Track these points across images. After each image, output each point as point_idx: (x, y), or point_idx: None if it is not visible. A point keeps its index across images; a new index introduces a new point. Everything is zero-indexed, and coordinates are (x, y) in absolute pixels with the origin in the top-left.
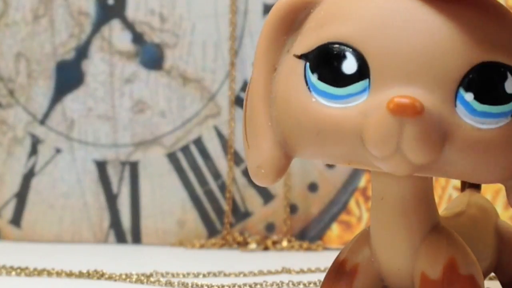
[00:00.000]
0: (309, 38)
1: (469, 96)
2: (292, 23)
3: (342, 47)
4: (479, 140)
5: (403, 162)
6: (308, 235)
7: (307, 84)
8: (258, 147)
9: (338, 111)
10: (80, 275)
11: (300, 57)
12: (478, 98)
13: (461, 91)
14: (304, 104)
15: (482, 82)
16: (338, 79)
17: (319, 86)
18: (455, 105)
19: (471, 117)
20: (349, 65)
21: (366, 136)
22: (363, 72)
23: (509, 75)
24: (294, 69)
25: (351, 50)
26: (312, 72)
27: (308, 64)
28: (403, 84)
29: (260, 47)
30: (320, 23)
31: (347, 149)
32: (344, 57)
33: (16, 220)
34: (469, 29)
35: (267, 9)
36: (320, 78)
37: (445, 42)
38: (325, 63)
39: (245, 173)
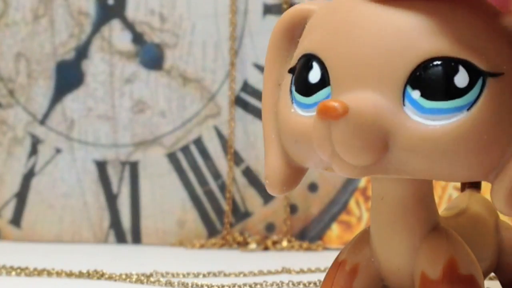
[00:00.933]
0: (296, 53)
1: (415, 94)
2: (292, 39)
3: (310, 57)
4: (428, 137)
5: (343, 164)
6: (308, 235)
7: (291, 96)
8: (265, 158)
9: (308, 119)
10: (80, 275)
11: (289, 71)
12: (425, 95)
13: (408, 89)
14: (286, 115)
15: (429, 78)
16: (307, 89)
17: (296, 97)
18: (404, 104)
19: (420, 114)
20: (314, 75)
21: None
22: (325, 80)
23: (461, 68)
24: (287, 83)
25: (316, 60)
26: (293, 84)
27: (293, 77)
28: (357, 89)
29: (266, 63)
30: (303, 37)
31: (318, 156)
32: (311, 67)
33: (16, 220)
34: (418, 25)
35: (267, 9)
36: (296, 89)
37: (391, 42)
38: (298, 74)
39: (245, 173)
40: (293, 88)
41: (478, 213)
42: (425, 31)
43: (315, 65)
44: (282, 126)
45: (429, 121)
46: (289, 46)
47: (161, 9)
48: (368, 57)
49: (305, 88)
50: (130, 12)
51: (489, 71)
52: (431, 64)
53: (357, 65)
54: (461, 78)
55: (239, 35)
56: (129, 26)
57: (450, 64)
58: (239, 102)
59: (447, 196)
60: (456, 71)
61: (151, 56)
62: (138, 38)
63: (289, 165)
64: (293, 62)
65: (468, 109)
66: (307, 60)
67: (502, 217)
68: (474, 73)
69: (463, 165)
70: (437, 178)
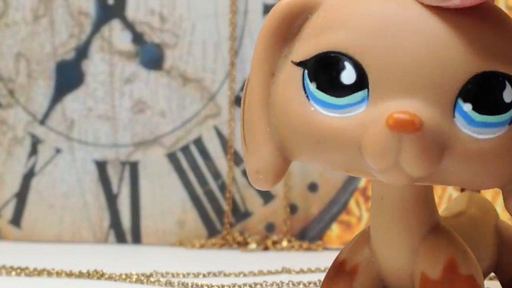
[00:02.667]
0: (307, 45)
1: (467, 107)
2: (290, 28)
3: (341, 56)
4: (477, 151)
5: (401, 174)
6: (308, 235)
7: (305, 92)
8: (256, 152)
9: (337, 120)
10: (80, 275)
11: (299, 64)
12: (476, 108)
13: (460, 101)
14: (303, 113)
15: (481, 92)
16: (337, 89)
17: (318, 95)
18: (454, 116)
19: (470, 127)
20: (348, 75)
21: (364, 148)
22: (362, 82)
23: (507, 84)
24: (293, 76)
25: (349, 60)
26: (311, 80)
27: (306, 72)
28: (402, 96)
29: (257, 52)
30: (318, 30)
31: (346, 158)
32: (342, 67)
33: (16, 220)
34: (469, 38)
35: (267, 9)
36: (319, 87)
37: (443, 53)
38: (324, 72)
39: (245, 173)
40: (313, 85)
41: (478, 213)
42: (477, 45)
43: (348, 65)
44: (295, 123)
45: (477, 134)
46: (286, 35)
47: (161, 9)
48: (419, 64)
49: (334, 88)
50: (130, 12)
51: None
52: (484, 78)
53: (405, 72)
54: (508, 93)
55: (239, 35)
56: (129, 26)
57: (499, 79)
58: (239, 102)
59: (447, 196)
60: (504, 86)
61: (151, 56)
62: (138, 38)
63: (282, 158)
64: (301, 55)
65: (509, 124)
66: (336, 59)
67: (502, 217)
68: None
69: (495, 176)
70: (470, 187)
